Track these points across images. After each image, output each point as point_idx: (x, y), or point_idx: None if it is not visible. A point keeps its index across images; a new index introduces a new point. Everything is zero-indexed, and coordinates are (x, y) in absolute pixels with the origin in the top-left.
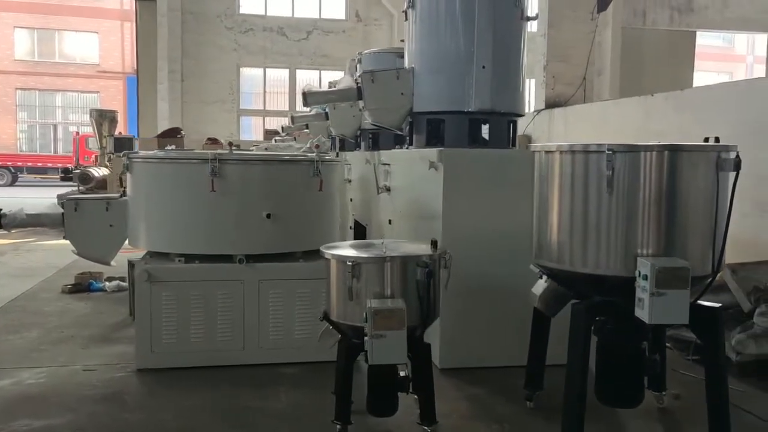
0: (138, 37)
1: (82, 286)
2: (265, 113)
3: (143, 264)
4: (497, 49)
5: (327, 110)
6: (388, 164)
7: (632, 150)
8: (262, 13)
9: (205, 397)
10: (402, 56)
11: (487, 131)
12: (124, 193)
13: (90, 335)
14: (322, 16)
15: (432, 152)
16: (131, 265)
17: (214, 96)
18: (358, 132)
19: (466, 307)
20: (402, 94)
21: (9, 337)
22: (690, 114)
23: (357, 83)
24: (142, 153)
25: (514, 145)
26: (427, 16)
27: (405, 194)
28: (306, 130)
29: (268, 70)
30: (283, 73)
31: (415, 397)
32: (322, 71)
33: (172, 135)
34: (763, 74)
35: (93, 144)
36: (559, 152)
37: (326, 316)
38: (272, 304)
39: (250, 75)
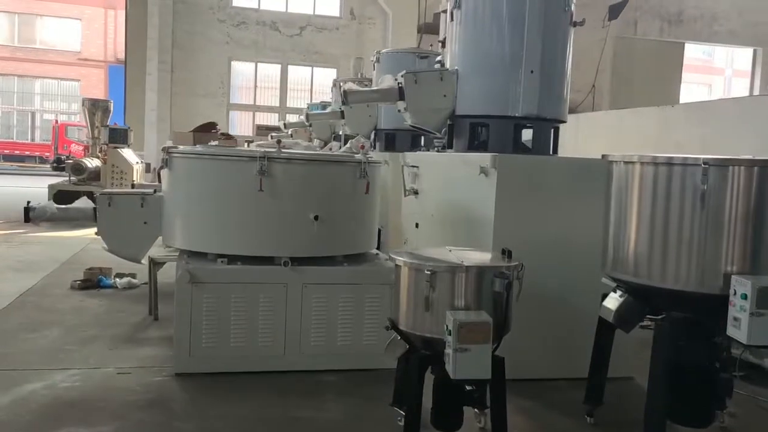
0: (127, 25)
1: (91, 283)
2: (255, 108)
3: (185, 264)
4: (546, 54)
5: (342, 109)
6: (416, 167)
7: (726, 164)
8: (256, 6)
9: (253, 405)
10: (423, 57)
11: (531, 137)
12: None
13: (114, 335)
14: (316, 13)
15: (484, 157)
16: (153, 262)
17: (203, 89)
18: (373, 132)
19: (516, 316)
20: (444, 96)
21: (30, 335)
22: (712, 126)
23: (399, 84)
24: (183, 148)
25: (556, 152)
26: (474, 17)
27: (438, 198)
28: (309, 127)
29: (259, 64)
30: (275, 69)
31: (475, 410)
32: (314, 68)
33: (206, 130)
34: (741, 87)
35: (80, 134)
36: (641, 164)
37: (394, 326)
38: (315, 309)
39: (241, 69)
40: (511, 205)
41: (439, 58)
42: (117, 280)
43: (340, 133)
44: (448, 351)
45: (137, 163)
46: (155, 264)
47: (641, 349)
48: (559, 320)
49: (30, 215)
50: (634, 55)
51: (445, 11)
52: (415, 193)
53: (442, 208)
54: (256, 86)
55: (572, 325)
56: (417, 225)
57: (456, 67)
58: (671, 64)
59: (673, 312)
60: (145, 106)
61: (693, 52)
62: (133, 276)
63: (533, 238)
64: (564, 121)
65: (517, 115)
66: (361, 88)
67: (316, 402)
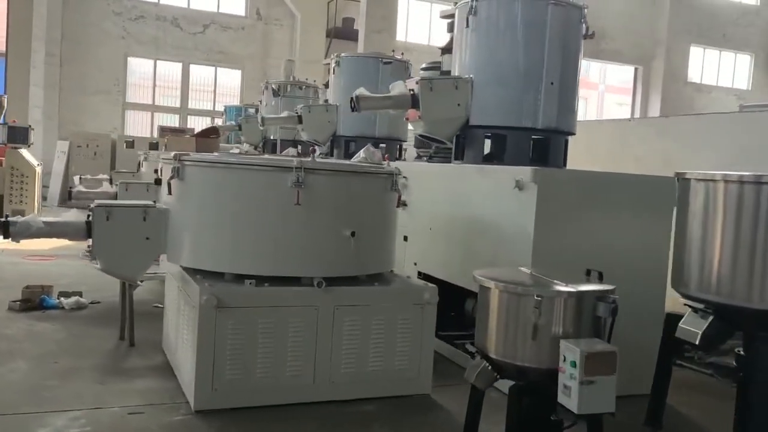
0: (9, 14)
1: (33, 303)
2: (154, 108)
3: (208, 288)
4: (564, 66)
5: (299, 113)
6: (405, 177)
7: None
8: (155, 0)
9: None
10: (387, 63)
11: (548, 150)
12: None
13: (94, 366)
14: (220, 10)
15: (521, 170)
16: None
17: (96, 86)
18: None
19: None
20: (458, 105)
21: None
22: (673, 140)
23: (411, 91)
24: (199, 156)
25: (565, 164)
26: (491, 25)
27: (437, 211)
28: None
29: (159, 62)
30: (176, 67)
31: None
32: (218, 68)
33: (206, 135)
34: (612, 102)
35: None
36: (726, 182)
37: (483, 354)
38: (347, 333)
39: (139, 66)
40: (551, 221)
41: (423, 65)
42: (63, 299)
43: (271, 137)
44: (570, 383)
45: (38, 165)
46: (125, 283)
47: None
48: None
49: (10, 230)
50: None
51: (449, 16)
52: (404, 205)
53: (442, 222)
54: (155, 85)
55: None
56: (405, 238)
57: (470, 75)
58: None
59: (761, 333)
60: (29, 102)
61: None
62: (80, 294)
63: (575, 255)
64: (574, 134)
65: (537, 126)
66: (372, 95)
67: None
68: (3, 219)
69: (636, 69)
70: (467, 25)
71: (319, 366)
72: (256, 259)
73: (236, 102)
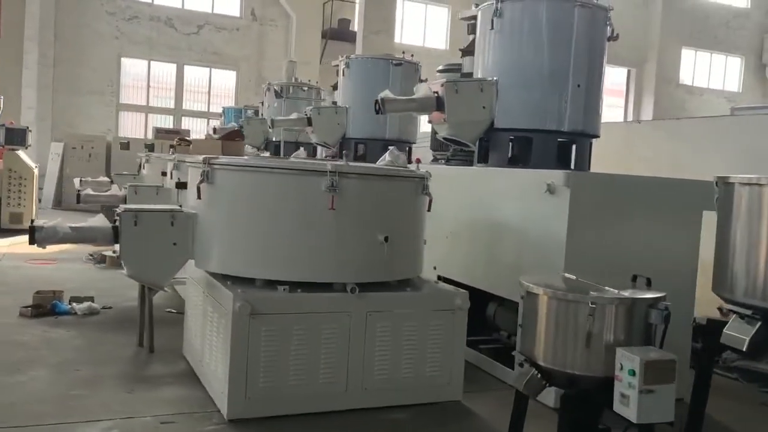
0: (1, 14)
1: (44, 309)
2: (148, 110)
3: (241, 294)
4: (591, 68)
5: (309, 115)
6: None
7: None
8: (149, 0)
9: None
10: (398, 64)
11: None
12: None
13: (118, 374)
14: (215, 11)
15: (553, 174)
16: (148, 287)
17: (90, 87)
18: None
19: None
20: (483, 107)
21: (13, 378)
22: (683, 142)
23: (436, 93)
24: (229, 159)
25: (589, 168)
26: (517, 27)
27: (458, 215)
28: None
29: (153, 63)
30: (170, 68)
31: None
32: (213, 69)
33: (231, 138)
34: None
35: None
36: None
37: (533, 362)
38: (379, 339)
39: (133, 67)
40: (584, 226)
41: (440, 67)
42: (75, 305)
43: (274, 139)
44: (628, 392)
45: (36, 167)
46: (150, 289)
47: None
48: None
49: (36, 236)
50: None
51: (470, 18)
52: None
53: (463, 226)
54: (149, 86)
55: None
56: (424, 242)
57: (495, 78)
58: None
59: None
60: (21, 104)
61: None
62: (91, 299)
63: (609, 260)
64: (599, 136)
65: (563, 129)
66: (397, 97)
67: None
68: (29, 225)
69: (629, 71)
70: (492, 27)
71: (352, 373)
72: (288, 265)
73: (231, 103)
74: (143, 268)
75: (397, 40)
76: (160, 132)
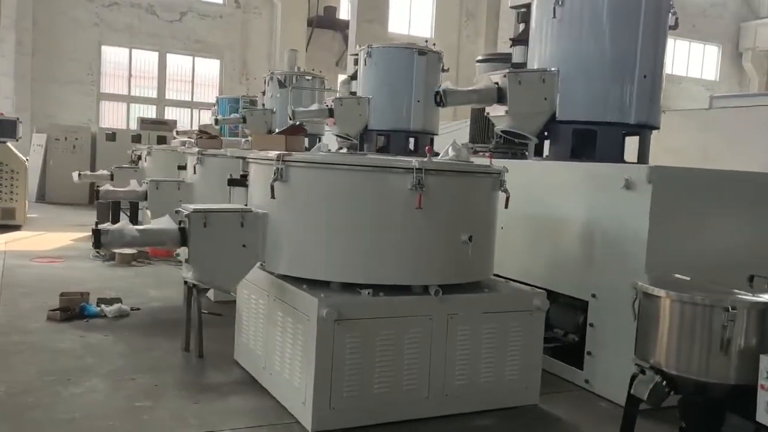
0: None
1: (73, 312)
2: (130, 99)
3: (325, 299)
4: (657, 58)
5: (331, 106)
6: None
7: None
8: None
9: None
10: (422, 54)
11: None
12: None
13: (176, 383)
14: None
15: (634, 168)
16: (197, 288)
17: (69, 75)
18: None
19: None
20: (545, 99)
21: (68, 389)
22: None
23: (497, 84)
24: (305, 156)
25: (647, 161)
26: (580, 15)
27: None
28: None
29: (134, 51)
30: (152, 57)
31: None
32: (196, 58)
33: (295, 133)
34: None
35: None
36: None
37: (655, 368)
38: (460, 342)
39: (113, 55)
40: (666, 223)
41: (479, 57)
42: (104, 307)
43: (277, 130)
44: None
45: (27, 160)
46: (199, 290)
47: None
48: None
49: (102, 240)
50: None
51: (521, 6)
52: None
53: (518, 221)
54: (130, 75)
55: None
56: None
57: (556, 68)
58: None
59: None
60: None
61: None
62: (120, 301)
63: (694, 260)
64: (659, 128)
65: (628, 122)
66: (459, 89)
67: None
68: (93, 228)
69: None
70: (554, 16)
71: (434, 379)
72: (370, 267)
73: (215, 93)
74: (212, 272)
75: None
76: (145, 122)
